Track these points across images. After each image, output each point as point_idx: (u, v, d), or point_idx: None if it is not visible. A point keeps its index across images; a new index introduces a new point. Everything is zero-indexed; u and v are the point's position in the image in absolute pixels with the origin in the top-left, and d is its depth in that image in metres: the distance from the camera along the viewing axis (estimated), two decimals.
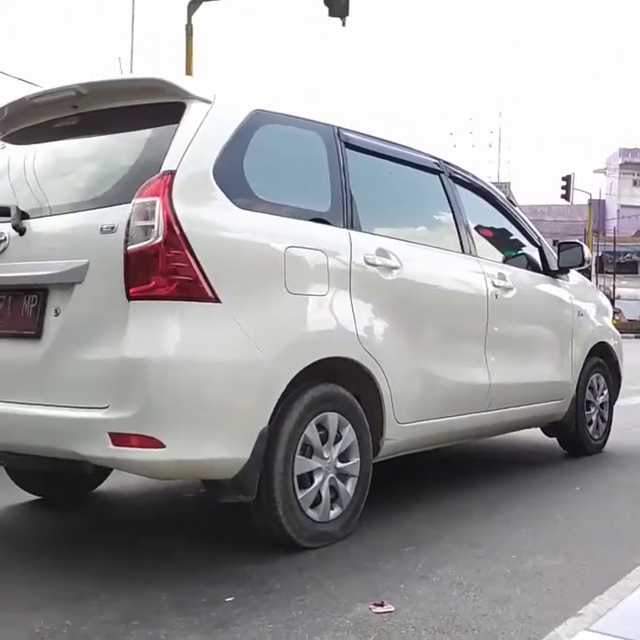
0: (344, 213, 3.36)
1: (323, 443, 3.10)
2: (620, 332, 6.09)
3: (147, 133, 3.08)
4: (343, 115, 3.67)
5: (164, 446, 2.60)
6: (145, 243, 2.67)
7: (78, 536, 3.40)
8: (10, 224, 2.94)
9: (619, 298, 44.28)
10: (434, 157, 4.14)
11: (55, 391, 2.81)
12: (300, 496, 2.98)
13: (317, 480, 3.06)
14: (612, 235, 50.86)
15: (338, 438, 3.17)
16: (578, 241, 5.13)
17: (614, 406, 5.52)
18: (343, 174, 3.42)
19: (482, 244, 4.32)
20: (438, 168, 4.14)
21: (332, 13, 11.51)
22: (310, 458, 3.05)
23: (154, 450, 2.61)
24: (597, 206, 51.43)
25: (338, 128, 3.49)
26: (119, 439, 2.63)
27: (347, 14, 11.53)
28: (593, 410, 5.16)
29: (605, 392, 5.35)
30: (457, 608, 2.48)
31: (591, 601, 2.43)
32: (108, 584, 2.70)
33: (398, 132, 4.02)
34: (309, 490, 3.03)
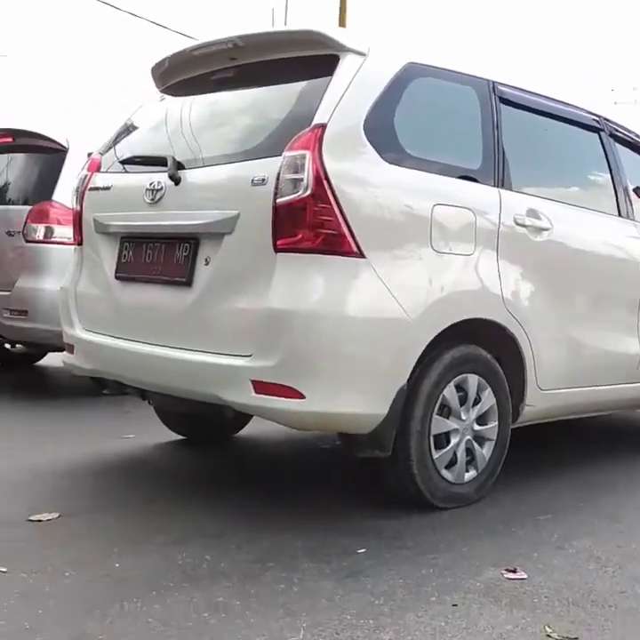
0: (495, 171, 3.26)
1: (461, 404, 3.07)
2: None
3: (300, 86, 3.09)
4: (499, 69, 3.54)
5: (303, 397, 2.65)
6: (293, 196, 2.69)
7: (219, 476, 3.55)
8: (166, 174, 3.05)
9: None
10: (594, 114, 3.94)
11: (202, 337, 2.91)
12: (435, 456, 2.97)
13: (454, 441, 3.04)
14: None
15: (477, 401, 3.13)
16: None
17: None
18: (496, 131, 3.31)
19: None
20: (598, 125, 3.93)
21: None
22: (447, 418, 3.03)
23: (293, 400, 2.67)
24: None
25: (493, 82, 3.37)
26: (260, 387, 2.70)
27: None
28: None
29: None
30: (593, 582, 2.41)
31: None
32: (246, 525, 2.80)
33: (556, 87, 3.84)
34: (445, 450, 3.01)
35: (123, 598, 2.18)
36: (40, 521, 2.79)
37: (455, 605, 2.21)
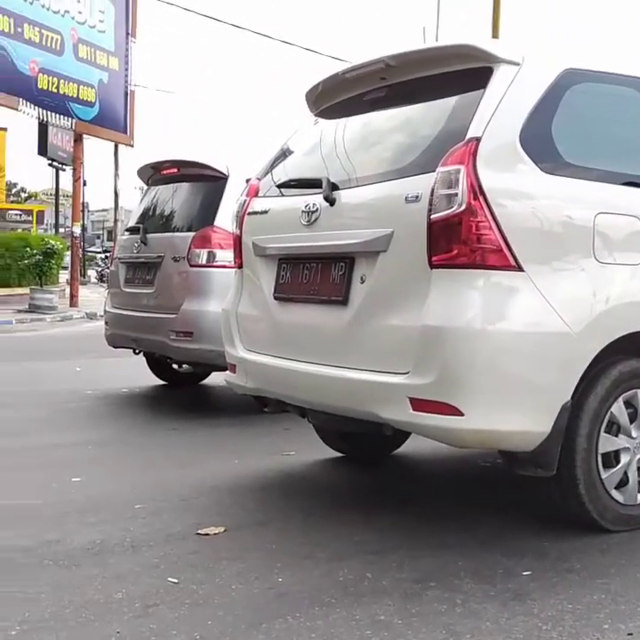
0: None
1: (631, 421, 2.92)
2: None
3: (452, 101, 3.06)
4: None
5: (462, 414, 2.61)
6: (448, 211, 2.67)
7: (378, 493, 3.55)
8: (322, 195, 3.10)
9: None
10: None
11: (359, 355, 2.93)
12: (603, 475, 2.84)
13: (624, 460, 2.89)
14: None
15: None
16: None
17: None
18: None
19: None
20: None
21: None
22: (616, 436, 2.89)
23: (452, 417, 2.63)
24: None
25: None
26: (418, 404, 2.68)
27: None
28: None
29: None
30: None
31: None
32: (407, 543, 2.78)
33: None
34: (615, 470, 2.87)
35: (286, 612, 2.22)
36: (207, 535, 2.89)
37: (631, 634, 2.09)
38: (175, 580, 2.45)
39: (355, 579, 2.46)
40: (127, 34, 18.28)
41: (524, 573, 2.50)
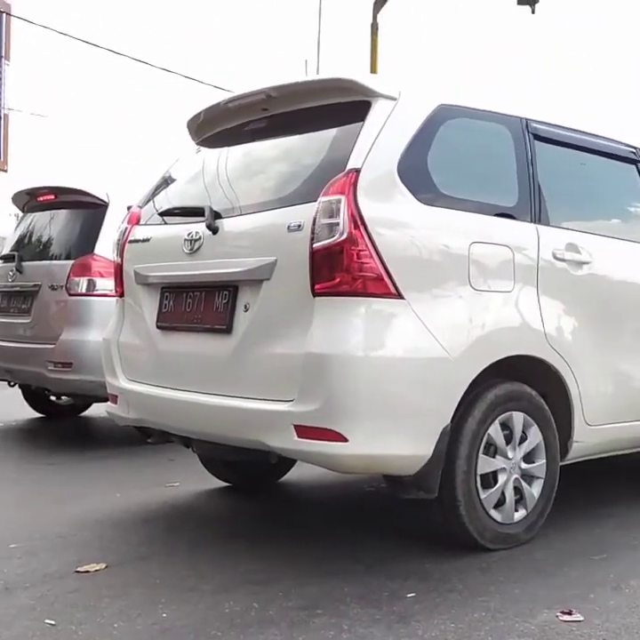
0: (531, 207, 3.25)
1: (507, 442, 3.03)
2: None
3: (333, 132, 3.13)
4: (532, 106, 3.55)
5: (346, 440, 2.64)
6: (330, 240, 2.71)
7: (264, 523, 3.53)
8: (204, 224, 3.10)
9: None
10: (630, 146, 3.92)
11: (244, 383, 2.93)
12: (482, 496, 2.93)
13: (501, 480, 3.00)
14: None
15: (523, 438, 3.08)
16: None
17: None
18: (531, 167, 3.31)
19: None
20: (635, 157, 3.91)
21: (521, 1, 11.25)
22: (494, 457, 2.99)
23: (337, 443, 2.65)
24: None
25: (526, 120, 3.38)
26: (303, 431, 2.70)
27: (536, 1, 11.22)
28: None
29: None
30: None
31: None
32: (293, 571, 2.77)
33: (590, 121, 3.84)
34: (493, 490, 2.97)
35: None
36: (88, 572, 2.79)
37: None
38: (52, 622, 2.35)
39: (241, 610, 2.43)
40: (0, 56, 17.74)
41: (409, 595, 2.54)
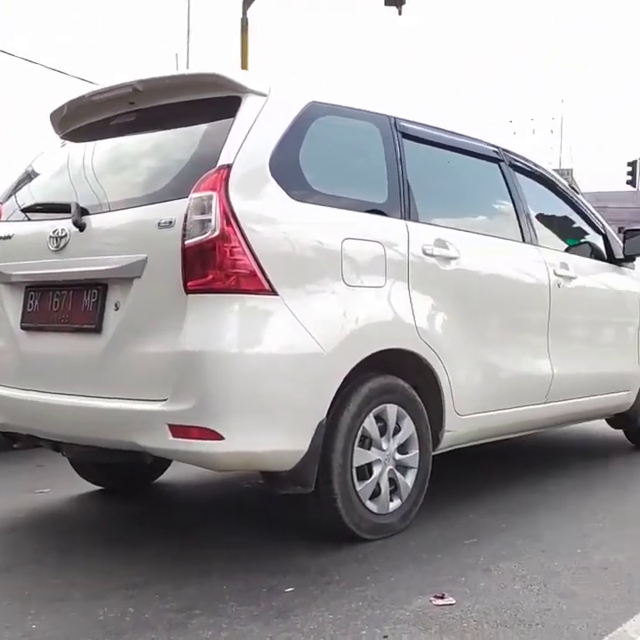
0: (401, 204, 3.32)
1: (381, 434, 3.09)
2: None
3: (203, 128, 3.09)
4: (400, 105, 3.63)
5: (222, 438, 2.62)
6: (202, 237, 2.68)
7: (140, 525, 3.46)
8: (70, 220, 3.00)
9: None
10: (493, 146, 4.07)
11: (116, 384, 2.85)
12: (358, 488, 2.97)
13: (376, 472, 3.05)
14: None
15: (397, 430, 3.15)
16: None
17: None
18: (400, 165, 3.38)
19: (543, 233, 4.23)
20: (497, 156, 4.07)
21: (388, 2, 11.50)
22: (369, 450, 3.04)
23: (212, 441, 2.63)
24: None
25: (394, 118, 3.45)
26: (178, 431, 2.65)
27: (403, 3, 11.49)
28: None
29: None
30: (520, 602, 2.44)
31: None
32: (170, 573, 2.73)
33: (456, 120, 3.96)
34: (368, 482, 3.02)
35: None
36: None
37: (386, 637, 2.19)
38: None
39: (116, 616, 2.36)
40: None
41: (287, 590, 2.55)
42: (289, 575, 2.68)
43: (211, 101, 3.04)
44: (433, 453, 3.35)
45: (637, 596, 2.44)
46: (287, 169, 2.95)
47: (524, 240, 4.00)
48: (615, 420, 4.94)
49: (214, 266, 2.68)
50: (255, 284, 2.72)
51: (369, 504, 3.02)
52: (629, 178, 32.33)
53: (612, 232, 4.84)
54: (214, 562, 2.85)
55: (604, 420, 4.99)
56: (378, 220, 3.23)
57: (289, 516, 3.43)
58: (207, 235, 2.68)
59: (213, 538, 3.19)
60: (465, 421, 3.45)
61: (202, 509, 3.75)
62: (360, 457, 2.99)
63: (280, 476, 2.85)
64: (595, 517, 3.40)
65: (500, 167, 4.06)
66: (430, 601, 2.43)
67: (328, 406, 2.86)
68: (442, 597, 2.45)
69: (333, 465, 2.89)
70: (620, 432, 5.09)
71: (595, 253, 4.68)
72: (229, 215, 2.69)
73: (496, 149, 4.08)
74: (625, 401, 4.69)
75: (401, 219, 3.30)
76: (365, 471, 3.02)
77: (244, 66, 12.20)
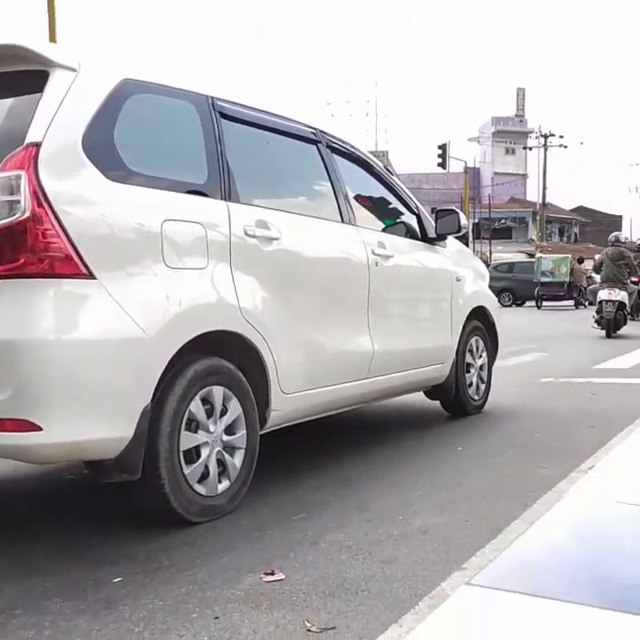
0: (221, 185, 3.31)
1: (208, 417, 3.08)
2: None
3: (7, 103, 2.93)
4: (218, 84, 3.60)
5: (40, 429, 2.51)
6: (11, 218, 2.55)
7: None
8: None
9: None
10: (311, 127, 4.14)
11: None
12: (186, 471, 2.95)
13: (204, 454, 3.04)
14: (488, 201, 52.44)
15: (223, 412, 3.16)
16: (454, 208, 5.25)
17: (493, 368, 5.73)
18: (219, 145, 3.36)
19: (361, 213, 4.36)
20: (315, 138, 4.14)
21: None
22: (196, 432, 3.03)
23: (30, 433, 2.52)
24: (472, 174, 52.83)
25: (212, 97, 3.43)
26: None
27: None
28: (473, 372, 5.35)
29: (484, 354, 5.54)
30: (346, 571, 2.52)
31: (474, 555, 2.51)
32: None
33: (275, 101, 3.99)
34: (196, 465, 3.00)
35: None
36: None
37: (217, 618, 2.20)
38: None
39: None
40: None
41: (115, 580, 2.49)
42: (117, 565, 2.62)
43: (16, 75, 2.88)
44: (260, 433, 3.39)
45: (454, 556, 2.59)
46: (102, 149, 2.85)
47: (342, 220, 4.11)
48: (432, 391, 5.22)
49: (26, 249, 2.55)
50: (71, 267, 2.62)
51: (197, 487, 3.01)
52: (440, 160, 33.88)
53: (425, 212, 5.06)
54: (36, 559, 2.73)
55: (421, 392, 5.24)
56: (198, 201, 3.20)
57: (116, 505, 3.35)
58: (17, 216, 2.55)
59: (34, 534, 3.06)
60: (291, 400, 3.51)
61: (21, 505, 3.58)
62: (187, 440, 2.97)
63: (105, 465, 2.78)
64: (415, 486, 3.57)
65: (318, 148, 4.14)
66: (261, 578, 2.47)
67: (153, 391, 2.81)
68: (272, 574, 2.49)
69: (160, 450, 2.85)
70: (437, 403, 5.37)
71: (410, 233, 4.89)
72: (40, 196, 2.57)
73: (314, 131, 4.15)
74: (440, 373, 4.95)
75: (222, 199, 3.28)
76: (193, 454, 3.01)
77: (53, 38, 11.62)
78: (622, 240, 14.14)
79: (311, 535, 2.89)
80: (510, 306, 27.27)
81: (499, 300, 28.94)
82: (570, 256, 28.62)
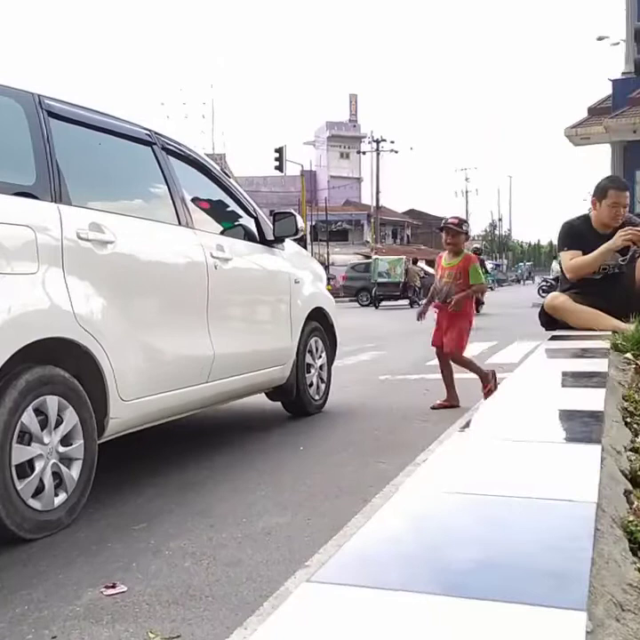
0: (51, 187, 3.19)
1: (42, 428, 2.96)
2: (335, 297, 6.47)
3: None
4: (46, 83, 3.46)
5: None
6: None
7: None
8: None
9: (332, 264, 46.82)
10: (145, 129, 4.06)
11: None
12: (19, 487, 2.82)
13: (38, 467, 2.92)
14: (324, 204, 53.48)
15: (59, 422, 3.04)
16: (291, 211, 5.32)
17: (332, 367, 5.86)
18: (48, 145, 3.23)
19: (199, 216, 4.34)
20: (151, 139, 4.07)
21: None
22: (29, 445, 2.90)
23: None
24: (309, 177, 53.74)
25: (39, 96, 3.29)
26: None
27: None
28: (313, 372, 5.44)
29: (323, 354, 5.65)
30: (190, 578, 2.50)
31: (317, 552, 2.56)
32: None
33: (107, 102, 3.88)
34: (30, 479, 2.87)
35: None
36: None
37: (55, 637, 2.12)
38: None
39: None
40: None
41: None
42: None
43: None
44: (99, 442, 3.29)
45: (297, 555, 2.63)
46: None
47: (180, 223, 4.06)
48: (273, 393, 5.26)
49: None
50: None
51: (32, 502, 2.88)
52: (277, 163, 34.23)
53: (262, 215, 5.10)
54: None
55: (263, 394, 5.27)
56: (26, 204, 3.07)
57: None
58: None
59: None
60: (130, 406, 3.44)
61: None
62: (19, 454, 2.84)
63: None
64: (258, 487, 3.59)
65: (153, 151, 4.07)
66: (101, 592, 2.40)
67: None
68: (113, 587, 2.43)
69: None
70: (279, 404, 5.42)
71: (248, 235, 4.91)
72: None
73: (149, 132, 4.08)
74: (281, 374, 5.01)
75: (52, 202, 3.16)
76: (26, 468, 2.88)
77: None
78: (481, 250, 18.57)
79: (153, 544, 2.84)
80: (368, 305, 28.28)
81: (357, 300, 29.98)
82: (404, 257, 29.83)
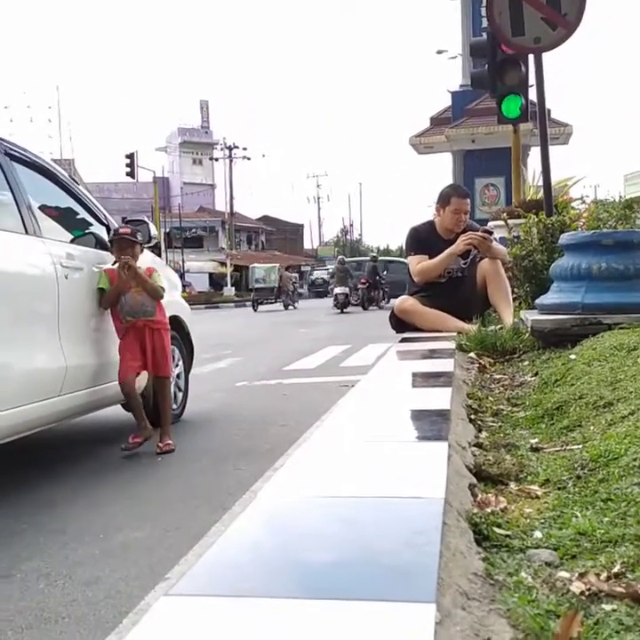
0: None
1: None
2: (191, 305, 6.43)
3: None
4: None
5: None
6: None
7: None
8: None
9: (188, 272, 46.37)
10: None
11: None
12: None
13: None
14: (178, 211, 52.81)
15: None
16: (144, 218, 5.25)
17: (190, 375, 5.81)
18: None
19: (47, 225, 4.20)
20: None
21: None
22: None
23: None
24: (162, 184, 52.88)
25: None
26: None
27: None
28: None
29: (180, 363, 5.59)
30: (45, 600, 2.42)
31: (177, 564, 2.53)
32: None
33: None
34: None
35: None
36: None
37: None
38: None
39: None
40: None
41: None
42: None
43: None
44: None
45: (157, 568, 2.59)
46: None
47: (27, 232, 3.92)
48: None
49: None
50: None
51: None
52: (128, 170, 33.54)
53: (114, 223, 5.00)
54: None
55: (119, 406, 5.16)
56: None
57: None
58: None
59: None
60: None
61: None
62: None
63: None
64: (115, 501, 3.51)
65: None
66: None
67: None
68: None
69: None
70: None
71: (100, 244, 4.80)
72: None
73: None
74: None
75: None
76: None
77: None
78: (345, 260, 27.26)
79: (4, 567, 2.72)
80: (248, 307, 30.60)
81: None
82: (278, 265, 33.59)
